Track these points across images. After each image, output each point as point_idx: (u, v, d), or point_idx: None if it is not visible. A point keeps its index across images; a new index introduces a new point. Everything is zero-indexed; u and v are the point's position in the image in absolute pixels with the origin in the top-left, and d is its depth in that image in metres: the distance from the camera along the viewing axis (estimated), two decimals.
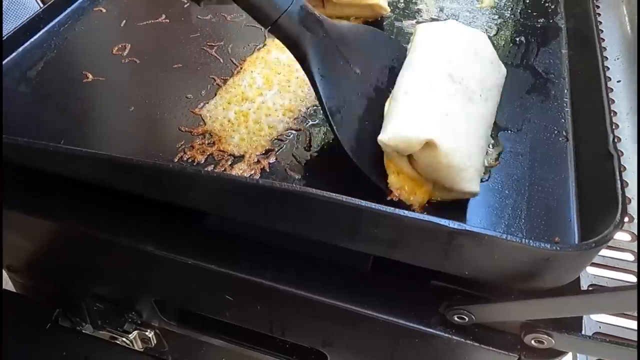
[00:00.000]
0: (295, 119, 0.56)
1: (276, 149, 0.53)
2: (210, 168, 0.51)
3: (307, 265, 0.49)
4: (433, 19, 0.71)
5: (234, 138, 0.54)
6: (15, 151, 0.51)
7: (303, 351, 0.59)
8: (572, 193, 0.48)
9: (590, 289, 0.52)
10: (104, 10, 0.75)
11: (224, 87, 0.60)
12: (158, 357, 0.61)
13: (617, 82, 0.74)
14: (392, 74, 0.54)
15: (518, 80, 0.60)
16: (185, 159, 0.52)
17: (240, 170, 0.51)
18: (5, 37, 0.65)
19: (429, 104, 0.46)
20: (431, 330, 0.45)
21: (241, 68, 0.63)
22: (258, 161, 0.51)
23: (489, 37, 0.67)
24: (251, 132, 0.54)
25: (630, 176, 0.61)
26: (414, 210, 0.46)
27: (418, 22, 0.71)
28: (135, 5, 0.76)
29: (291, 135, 0.54)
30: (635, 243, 0.57)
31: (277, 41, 0.66)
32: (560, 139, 0.53)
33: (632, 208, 0.59)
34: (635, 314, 0.51)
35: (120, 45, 0.68)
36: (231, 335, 0.61)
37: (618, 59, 0.78)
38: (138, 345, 0.65)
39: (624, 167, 0.62)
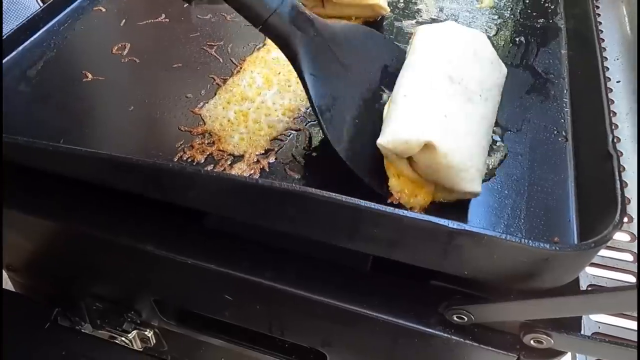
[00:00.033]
0: (295, 118, 0.56)
1: (276, 149, 0.53)
2: (209, 168, 0.51)
3: (306, 265, 0.49)
4: (433, 19, 0.71)
5: (233, 138, 0.54)
6: (14, 150, 0.51)
7: (302, 351, 0.59)
8: (571, 193, 0.48)
9: (590, 289, 0.52)
10: (103, 10, 0.75)
11: (223, 86, 0.60)
12: (157, 356, 0.61)
13: (617, 82, 0.74)
14: (386, 73, 0.54)
15: (518, 80, 0.60)
16: (184, 158, 0.52)
17: (240, 169, 0.51)
18: (5, 36, 0.65)
19: (427, 105, 0.46)
20: (430, 330, 0.45)
21: (241, 68, 0.63)
22: (257, 161, 0.51)
23: (489, 37, 0.67)
24: (251, 132, 0.54)
25: (629, 176, 0.61)
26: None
27: (418, 22, 0.71)
28: (135, 4, 0.76)
29: (291, 135, 0.54)
30: (634, 243, 0.57)
31: None
32: (560, 139, 0.53)
33: (631, 208, 0.59)
34: (634, 314, 0.51)
35: (120, 45, 0.68)
36: (230, 335, 0.61)
37: (618, 59, 0.78)
38: (137, 345, 0.64)
39: (623, 167, 0.62)
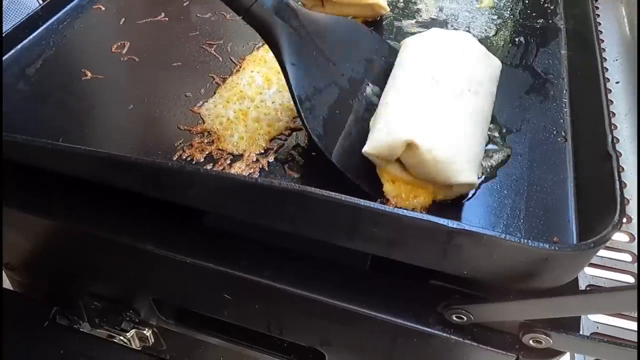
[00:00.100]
0: (294, 118, 0.56)
1: (275, 148, 0.53)
2: (209, 167, 0.51)
3: (305, 264, 0.49)
4: (432, 19, 0.71)
5: (233, 137, 0.54)
6: (13, 149, 0.51)
7: (301, 350, 0.59)
8: (570, 193, 0.48)
9: (588, 289, 0.52)
10: (103, 8, 0.75)
11: (223, 85, 0.60)
12: (156, 355, 0.61)
13: (616, 83, 0.74)
14: (371, 67, 0.54)
15: (517, 80, 0.60)
16: (184, 157, 0.52)
17: (239, 169, 0.51)
18: (4, 34, 0.65)
19: (408, 107, 0.47)
20: (429, 329, 0.45)
21: (240, 67, 0.63)
22: (257, 160, 0.51)
23: (488, 37, 0.67)
24: (250, 131, 0.54)
25: (628, 177, 0.61)
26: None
27: (417, 22, 0.71)
28: (134, 3, 0.76)
29: (290, 135, 0.54)
30: (633, 244, 0.57)
31: None
32: (559, 139, 0.53)
33: (630, 209, 0.59)
34: (633, 315, 0.51)
35: (119, 43, 0.68)
36: (229, 334, 0.61)
37: (617, 60, 0.78)
38: (135, 344, 0.64)
39: (622, 168, 0.62)
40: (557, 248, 0.36)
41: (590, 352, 0.45)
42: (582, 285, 0.52)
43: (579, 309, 0.40)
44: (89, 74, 0.63)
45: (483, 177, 0.49)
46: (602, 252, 0.56)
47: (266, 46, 0.65)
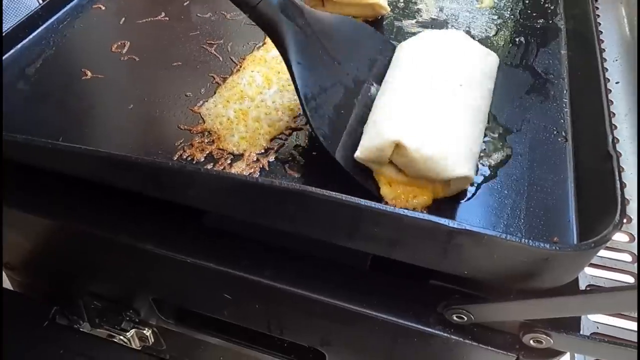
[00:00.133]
0: (294, 117, 0.56)
1: (275, 148, 0.53)
2: (209, 166, 0.51)
3: (306, 264, 0.49)
4: (433, 19, 0.71)
5: (233, 136, 0.54)
6: (13, 148, 0.51)
7: (301, 350, 0.59)
8: (571, 193, 0.48)
9: (588, 289, 0.52)
10: (103, 8, 0.74)
11: (223, 85, 0.60)
12: (155, 355, 0.61)
13: (616, 83, 0.74)
14: (376, 66, 0.54)
15: (517, 80, 0.60)
16: (184, 157, 0.52)
17: (240, 168, 0.50)
18: (3, 34, 0.65)
19: (396, 108, 0.47)
20: (430, 329, 0.45)
21: (241, 66, 0.63)
22: (257, 160, 0.51)
23: (489, 37, 0.67)
24: (250, 131, 0.54)
25: (628, 177, 0.61)
26: None
27: (418, 22, 0.71)
28: (134, 2, 0.76)
29: (291, 134, 0.54)
30: (633, 244, 0.57)
31: None
32: (560, 139, 0.53)
33: (630, 209, 0.59)
34: (633, 315, 0.51)
35: (119, 43, 0.68)
36: (229, 334, 0.61)
37: (616, 60, 0.78)
38: (135, 344, 0.64)
39: (622, 168, 0.62)
40: (557, 248, 0.36)
41: (591, 352, 0.45)
42: (582, 285, 0.52)
43: (579, 309, 0.40)
44: (89, 74, 0.63)
45: (482, 177, 0.49)
46: (602, 252, 0.56)
47: (266, 46, 0.66)
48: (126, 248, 0.52)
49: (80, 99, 0.60)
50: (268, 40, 0.67)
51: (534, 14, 0.72)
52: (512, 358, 0.44)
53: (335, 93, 0.50)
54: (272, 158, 0.52)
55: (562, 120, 0.55)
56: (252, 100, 0.58)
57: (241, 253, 0.50)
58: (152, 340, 0.65)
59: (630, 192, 0.60)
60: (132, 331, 0.63)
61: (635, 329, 0.50)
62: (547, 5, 0.74)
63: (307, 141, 0.53)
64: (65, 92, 0.61)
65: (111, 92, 0.61)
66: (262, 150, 0.52)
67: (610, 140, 0.45)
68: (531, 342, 0.42)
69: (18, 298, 0.67)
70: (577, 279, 0.45)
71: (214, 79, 0.62)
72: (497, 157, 0.51)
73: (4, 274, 0.70)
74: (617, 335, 0.51)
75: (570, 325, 0.42)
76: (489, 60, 0.54)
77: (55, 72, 0.64)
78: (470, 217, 0.47)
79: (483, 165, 0.50)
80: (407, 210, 0.39)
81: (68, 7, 0.73)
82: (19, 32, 0.67)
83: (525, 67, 0.62)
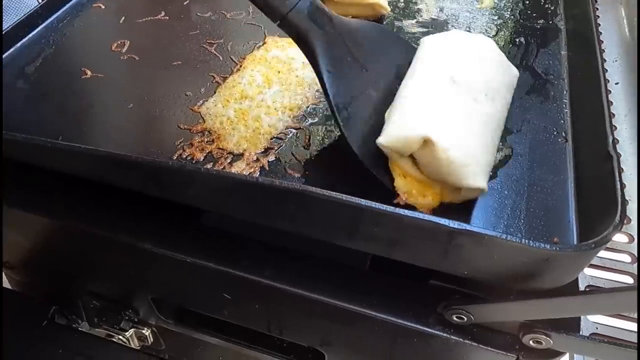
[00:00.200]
0: (294, 117, 0.56)
1: (275, 148, 0.53)
2: (209, 166, 0.51)
3: (306, 264, 0.49)
4: (433, 19, 0.71)
5: (233, 136, 0.54)
6: (13, 147, 0.51)
7: (301, 350, 0.58)
8: (571, 194, 0.48)
9: (588, 290, 0.52)
10: (102, 7, 0.74)
11: (223, 84, 0.60)
12: (155, 355, 0.61)
13: (615, 84, 0.74)
14: (400, 72, 0.54)
15: (517, 81, 0.60)
16: (184, 156, 0.52)
17: (240, 168, 0.50)
18: (3, 33, 0.65)
19: (426, 104, 0.46)
20: (429, 329, 0.45)
21: (241, 66, 0.63)
22: (257, 159, 0.51)
23: (489, 38, 0.67)
24: (250, 130, 0.54)
25: (628, 178, 0.61)
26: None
27: (418, 22, 0.71)
28: (134, 2, 0.76)
29: (291, 134, 0.54)
30: (633, 245, 0.57)
31: (276, 39, 0.66)
32: (560, 139, 0.53)
33: (629, 210, 0.59)
34: (632, 315, 0.51)
35: (119, 42, 0.68)
36: (228, 334, 0.61)
37: (616, 60, 0.78)
38: (134, 343, 0.64)
39: (622, 168, 0.62)
40: (558, 248, 0.36)
41: (591, 352, 0.45)
42: (582, 286, 0.52)
43: (579, 310, 0.40)
44: (89, 73, 0.63)
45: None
46: (601, 253, 0.56)
47: (266, 45, 0.65)
48: (125, 247, 0.52)
49: (80, 98, 0.60)
50: (268, 39, 0.67)
51: (534, 15, 0.72)
52: (512, 358, 0.44)
53: (364, 101, 0.49)
54: (272, 158, 0.52)
55: (562, 121, 0.55)
56: (252, 99, 0.58)
57: (241, 253, 0.49)
58: (151, 339, 0.65)
59: (630, 192, 0.60)
60: (131, 331, 0.63)
61: (635, 329, 0.50)
62: (547, 5, 0.74)
63: (307, 141, 0.53)
64: (64, 91, 0.61)
65: (111, 91, 0.61)
66: (262, 150, 0.52)
67: (610, 140, 0.45)
68: (531, 342, 0.42)
69: (17, 297, 0.67)
70: (577, 280, 0.45)
71: (214, 78, 0.61)
72: (497, 157, 0.51)
73: (3, 273, 0.70)
74: (616, 335, 0.51)
75: (570, 325, 0.42)
76: (512, 74, 0.54)
77: (54, 71, 0.64)
78: (470, 217, 0.46)
79: (491, 163, 0.50)
80: (407, 211, 0.39)
81: (68, 5, 0.73)
82: (19, 30, 0.67)
83: (526, 68, 0.62)
